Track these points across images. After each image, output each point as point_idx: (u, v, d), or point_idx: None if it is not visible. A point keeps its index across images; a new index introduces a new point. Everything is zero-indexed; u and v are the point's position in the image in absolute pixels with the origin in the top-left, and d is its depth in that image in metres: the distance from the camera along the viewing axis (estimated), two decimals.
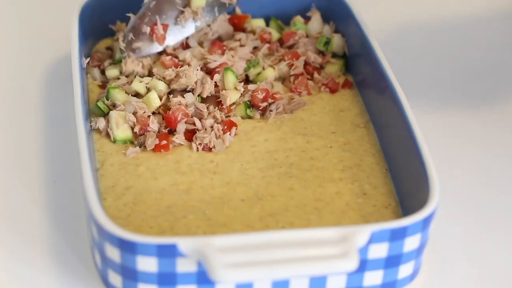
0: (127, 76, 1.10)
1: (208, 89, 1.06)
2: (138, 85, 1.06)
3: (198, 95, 1.06)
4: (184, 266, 0.83)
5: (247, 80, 1.12)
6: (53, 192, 1.01)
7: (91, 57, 1.14)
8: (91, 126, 1.03)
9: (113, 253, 0.84)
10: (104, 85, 1.10)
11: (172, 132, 1.03)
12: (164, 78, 1.07)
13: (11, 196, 1.01)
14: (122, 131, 1.02)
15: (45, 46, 1.25)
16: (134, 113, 1.03)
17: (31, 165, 1.05)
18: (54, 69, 1.21)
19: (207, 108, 1.05)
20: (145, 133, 1.02)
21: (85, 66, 1.10)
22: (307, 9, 1.21)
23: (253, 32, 1.18)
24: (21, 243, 0.95)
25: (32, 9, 1.34)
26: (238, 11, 1.21)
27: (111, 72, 1.11)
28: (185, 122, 1.03)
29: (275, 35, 1.17)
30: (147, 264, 0.83)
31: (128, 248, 0.82)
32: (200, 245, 0.81)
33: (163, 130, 1.03)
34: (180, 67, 1.08)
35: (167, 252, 0.82)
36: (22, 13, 1.33)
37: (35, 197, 1.01)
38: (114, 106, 1.05)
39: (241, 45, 1.15)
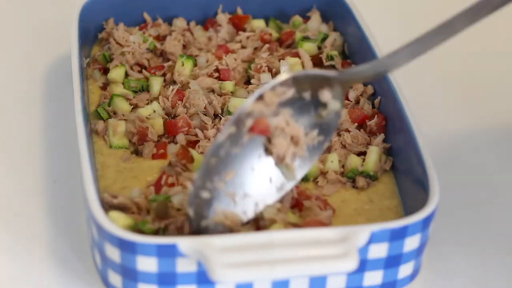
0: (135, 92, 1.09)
1: (218, 105, 1.05)
2: (145, 111, 1.04)
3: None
4: (184, 266, 0.83)
5: (248, 82, 1.12)
6: (53, 192, 1.01)
7: (92, 59, 1.14)
8: (91, 127, 1.03)
9: (113, 253, 0.84)
10: (104, 86, 1.10)
11: (174, 141, 1.02)
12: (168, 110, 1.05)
13: (11, 196, 1.01)
14: (118, 139, 1.01)
15: (45, 46, 1.25)
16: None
17: (31, 165, 1.05)
18: (54, 69, 1.21)
19: (213, 120, 1.05)
20: (144, 143, 1.01)
21: (85, 66, 1.10)
22: (307, 9, 1.21)
23: (253, 31, 1.18)
24: (21, 243, 0.95)
25: (32, 9, 1.34)
26: (239, 11, 1.21)
27: (114, 74, 1.10)
28: (187, 133, 1.02)
29: (274, 35, 1.18)
30: (147, 264, 0.83)
31: (128, 248, 0.82)
32: (200, 245, 0.80)
33: (164, 139, 1.02)
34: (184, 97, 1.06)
35: (167, 252, 0.82)
36: (22, 13, 1.34)
37: (35, 197, 1.01)
38: (114, 113, 1.05)
39: (242, 47, 1.16)
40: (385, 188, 0.98)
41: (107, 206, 0.92)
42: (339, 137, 1.02)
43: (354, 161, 0.99)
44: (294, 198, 0.93)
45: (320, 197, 0.94)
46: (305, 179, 0.98)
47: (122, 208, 0.92)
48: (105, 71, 1.12)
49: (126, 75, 1.11)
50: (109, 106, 1.05)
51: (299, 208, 0.92)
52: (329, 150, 1.01)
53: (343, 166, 0.99)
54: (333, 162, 0.98)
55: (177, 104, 1.05)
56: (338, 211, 0.94)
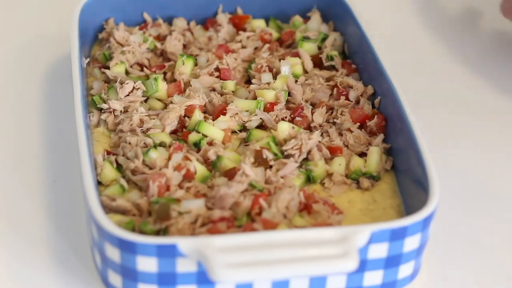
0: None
1: (219, 103, 1.04)
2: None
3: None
4: (184, 266, 0.83)
5: (248, 81, 1.12)
6: (53, 192, 1.01)
7: (92, 58, 1.14)
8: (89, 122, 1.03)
9: (113, 253, 0.84)
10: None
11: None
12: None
13: (11, 196, 1.01)
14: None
15: (45, 46, 1.25)
16: None
17: (31, 165, 1.05)
18: (54, 69, 1.21)
19: None
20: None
21: (85, 66, 1.10)
22: (307, 9, 1.21)
23: (253, 31, 1.18)
24: (21, 243, 0.95)
25: (32, 9, 1.34)
26: (239, 11, 1.21)
27: (115, 69, 1.10)
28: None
29: (274, 35, 1.18)
30: (147, 264, 0.83)
31: (128, 248, 0.82)
32: (200, 245, 0.80)
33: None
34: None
35: (167, 252, 0.82)
36: (22, 13, 1.34)
37: (35, 197, 1.01)
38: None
39: (243, 47, 1.16)
40: (387, 187, 0.98)
41: (106, 209, 0.92)
42: (341, 137, 1.02)
43: (357, 162, 0.99)
44: (302, 202, 0.93)
45: (327, 201, 0.94)
46: (312, 181, 0.98)
47: (121, 211, 0.92)
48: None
49: (127, 73, 1.11)
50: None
51: (308, 211, 0.93)
52: (335, 152, 1.00)
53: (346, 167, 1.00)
54: (340, 165, 0.98)
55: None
56: (345, 212, 0.94)
